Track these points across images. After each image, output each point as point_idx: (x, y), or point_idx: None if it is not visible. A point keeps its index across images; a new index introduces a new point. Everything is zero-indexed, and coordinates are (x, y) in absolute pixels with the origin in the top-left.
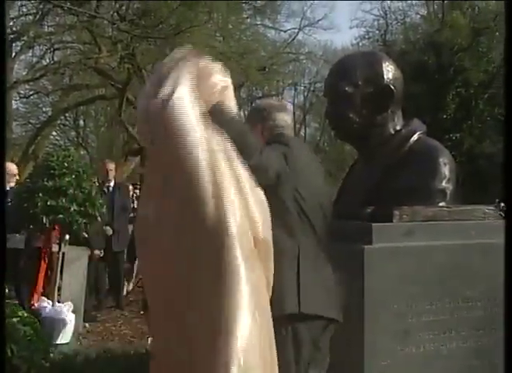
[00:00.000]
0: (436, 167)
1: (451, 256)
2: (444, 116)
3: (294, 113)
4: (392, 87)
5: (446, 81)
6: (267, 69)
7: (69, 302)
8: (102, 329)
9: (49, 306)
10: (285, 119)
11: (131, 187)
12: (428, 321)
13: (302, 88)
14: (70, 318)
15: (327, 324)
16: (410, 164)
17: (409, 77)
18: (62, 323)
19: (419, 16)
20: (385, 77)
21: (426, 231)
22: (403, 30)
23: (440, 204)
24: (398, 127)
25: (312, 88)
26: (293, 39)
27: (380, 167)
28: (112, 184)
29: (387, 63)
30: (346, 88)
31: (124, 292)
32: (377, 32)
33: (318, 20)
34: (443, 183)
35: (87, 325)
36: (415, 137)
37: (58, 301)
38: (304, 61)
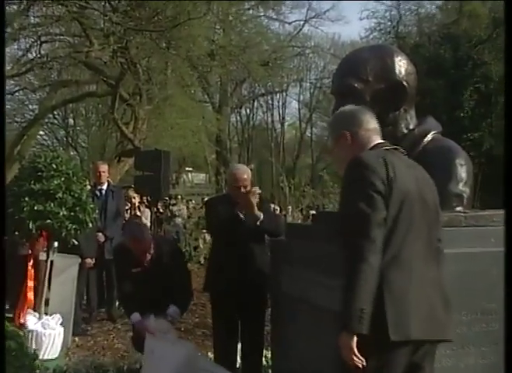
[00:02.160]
0: (452, 169)
1: (469, 264)
2: (461, 114)
3: (299, 111)
4: (405, 83)
5: (463, 76)
6: (270, 64)
7: (57, 315)
8: (93, 343)
9: (35, 319)
10: (371, 120)
11: (135, 196)
12: None
13: (308, 84)
14: (58, 332)
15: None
16: (424, 166)
17: (424, 72)
18: (50, 337)
19: (434, 6)
20: (397, 72)
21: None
22: (417, 21)
23: (457, 209)
24: (410, 126)
25: (319, 85)
26: (298, 31)
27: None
28: (104, 187)
29: (399, 57)
30: (355, 85)
31: (117, 304)
32: (389, 23)
33: (325, 11)
34: (460, 187)
35: (77, 339)
36: (430, 136)
37: (46, 314)
38: (310, 55)
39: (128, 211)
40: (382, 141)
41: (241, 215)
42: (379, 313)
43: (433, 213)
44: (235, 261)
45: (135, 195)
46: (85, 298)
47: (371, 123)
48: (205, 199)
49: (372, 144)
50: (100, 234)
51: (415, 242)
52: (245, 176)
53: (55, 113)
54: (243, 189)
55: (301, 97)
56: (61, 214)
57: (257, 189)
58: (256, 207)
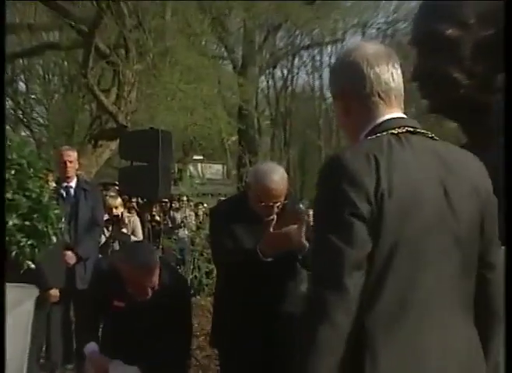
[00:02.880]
0: None
1: None
2: None
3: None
4: None
5: None
6: (317, 2)
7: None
8: None
9: None
10: (385, 77)
11: (117, 205)
12: None
13: (374, 31)
14: None
15: None
16: None
17: None
18: None
19: None
20: None
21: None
22: None
23: None
24: None
25: (390, 32)
26: None
27: (503, 156)
28: (73, 184)
29: None
30: (448, 32)
31: None
32: None
33: None
34: None
35: None
36: None
37: None
38: None
39: (110, 226)
40: (397, 116)
41: (264, 257)
42: None
43: (472, 240)
44: (256, 307)
45: (118, 202)
46: (44, 347)
47: (387, 81)
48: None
49: (378, 120)
50: (69, 252)
51: (427, 288)
52: (281, 188)
53: None
54: (273, 214)
55: None
56: (11, 223)
57: (302, 237)
58: (299, 242)
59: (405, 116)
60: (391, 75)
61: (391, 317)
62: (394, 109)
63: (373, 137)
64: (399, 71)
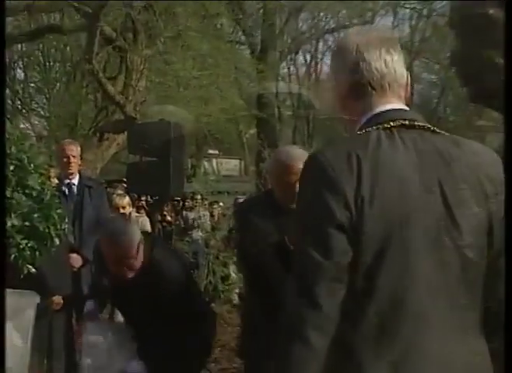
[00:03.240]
0: None
1: None
2: None
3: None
4: None
5: None
6: None
7: None
8: None
9: None
10: (377, 64)
11: (125, 204)
12: None
13: (407, 11)
14: None
15: None
16: None
17: None
18: None
19: None
20: None
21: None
22: None
23: None
24: None
25: (425, 12)
26: None
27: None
28: (76, 181)
29: None
30: (491, 12)
31: None
32: None
33: None
34: None
35: None
36: None
37: None
38: None
39: None
40: (394, 108)
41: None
42: None
43: (476, 246)
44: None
45: (126, 201)
46: (45, 359)
47: (379, 68)
48: (239, 200)
49: (372, 112)
50: (75, 255)
51: (419, 298)
52: (301, 163)
53: None
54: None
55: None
56: (10, 223)
57: None
58: None
59: (404, 107)
60: (384, 62)
61: (379, 332)
62: (391, 99)
63: (362, 132)
64: (396, 57)
